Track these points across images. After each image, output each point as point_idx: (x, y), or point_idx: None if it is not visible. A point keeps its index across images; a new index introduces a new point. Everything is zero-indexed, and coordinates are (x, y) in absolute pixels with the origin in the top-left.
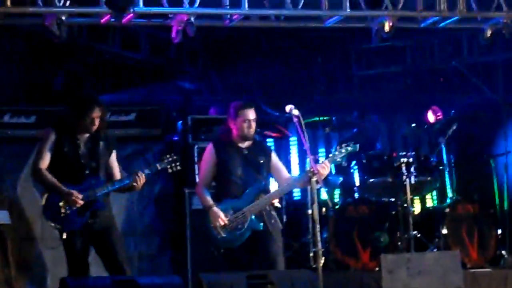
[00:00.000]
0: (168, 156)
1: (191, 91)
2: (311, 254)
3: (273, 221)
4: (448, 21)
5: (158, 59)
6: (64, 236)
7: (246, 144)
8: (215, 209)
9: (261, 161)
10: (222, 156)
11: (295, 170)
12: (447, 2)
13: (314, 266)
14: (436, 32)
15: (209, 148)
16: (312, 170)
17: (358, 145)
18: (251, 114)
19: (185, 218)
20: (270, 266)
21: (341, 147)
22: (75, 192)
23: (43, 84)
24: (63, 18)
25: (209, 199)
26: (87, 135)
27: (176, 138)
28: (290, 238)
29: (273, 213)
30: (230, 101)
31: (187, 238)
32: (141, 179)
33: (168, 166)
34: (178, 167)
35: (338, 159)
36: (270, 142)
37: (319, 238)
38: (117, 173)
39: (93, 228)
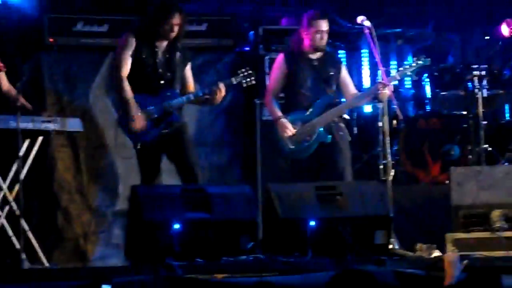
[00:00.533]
0: (243, 70)
1: (263, 1)
2: (381, 166)
3: (341, 133)
4: None
5: None
6: (138, 146)
7: (317, 55)
8: (283, 120)
9: (331, 73)
10: (292, 67)
11: (367, 83)
12: None
13: (383, 178)
14: None
15: (280, 58)
16: (383, 82)
17: (429, 59)
18: (324, 25)
19: (255, 129)
20: (338, 177)
21: (412, 61)
22: (140, 118)
23: None
24: None
25: (278, 110)
26: (165, 43)
27: (247, 49)
28: (360, 150)
29: (342, 125)
30: (302, 12)
31: (257, 149)
32: (221, 92)
33: (243, 81)
34: (253, 82)
35: (409, 73)
36: (341, 53)
37: (389, 151)
38: (191, 84)
39: (167, 135)
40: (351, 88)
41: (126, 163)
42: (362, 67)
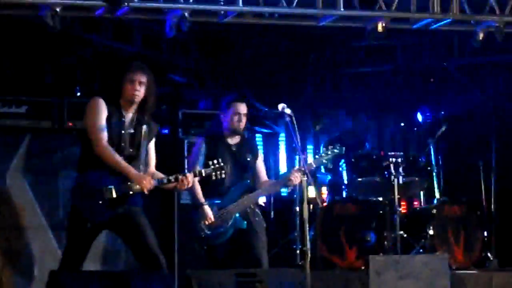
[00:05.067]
0: (214, 161)
1: (182, 84)
2: (298, 251)
3: (257, 218)
4: (441, 23)
5: (150, 52)
6: (88, 225)
7: (235, 140)
8: (206, 207)
9: (248, 159)
10: (212, 152)
11: (283, 167)
12: (441, 4)
13: (300, 263)
14: (427, 32)
15: (199, 142)
16: (302, 169)
17: (343, 148)
18: (242, 108)
19: (173, 212)
20: (254, 263)
21: (327, 149)
22: (149, 178)
23: (34, 74)
24: (58, 10)
25: (201, 196)
26: (131, 114)
27: (166, 132)
28: (276, 234)
29: (257, 210)
30: (221, 95)
31: (174, 233)
32: (188, 180)
33: (213, 173)
34: (223, 175)
35: (324, 161)
36: (259, 137)
37: (308, 237)
38: (153, 163)
39: (118, 217)
40: (263, 176)
41: (42, 245)
42: (279, 151)
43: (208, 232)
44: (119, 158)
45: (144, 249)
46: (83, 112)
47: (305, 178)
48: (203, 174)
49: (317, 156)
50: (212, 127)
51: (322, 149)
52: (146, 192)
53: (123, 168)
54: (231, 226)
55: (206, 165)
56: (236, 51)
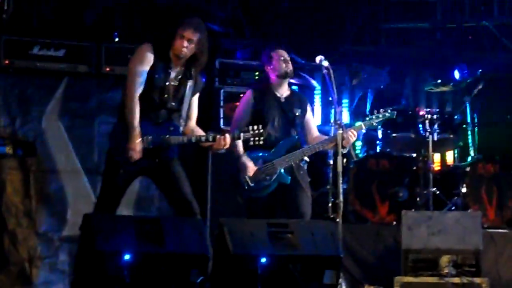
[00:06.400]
0: (255, 127)
1: (220, 34)
2: (330, 205)
3: (302, 173)
4: None
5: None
6: (121, 171)
7: (284, 92)
8: (245, 158)
9: (297, 114)
10: (260, 104)
11: (318, 120)
12: None
13: (332, 216)
14: None
15: (248, 94)
16: (338, 122)
17: (395, 112)
18: (284, 53)
19: (207, 161)
20: (298, 217)
21: (378, 112)
22: (138, 149)
23: (73, 18)
24: None
25: (240, 148)
26: (179, 67)
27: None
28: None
29: (302, 165)
30: (258, 46)
31: (207, 182)
32: (225, 141)
33: (251, 138)
34: (261, 142)
35: (374, 124)
36: (294, 90)
37: (341, 190)
38: (194, 117)
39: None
40: (313, 132)
41: (75, 189)
42: (314, 104)
43: (252, 184)
44: (135, 113)
45: (178, 196)
46: (120, 57)
47: (341, 132)
48: (242, 139)
49: (367, 119)
50: (259, 81)
51: (371, 115)
52: (131, 161)
53: (131, 124)
54: (275, 181)
55: (253, 118)
56: (275, 2)
